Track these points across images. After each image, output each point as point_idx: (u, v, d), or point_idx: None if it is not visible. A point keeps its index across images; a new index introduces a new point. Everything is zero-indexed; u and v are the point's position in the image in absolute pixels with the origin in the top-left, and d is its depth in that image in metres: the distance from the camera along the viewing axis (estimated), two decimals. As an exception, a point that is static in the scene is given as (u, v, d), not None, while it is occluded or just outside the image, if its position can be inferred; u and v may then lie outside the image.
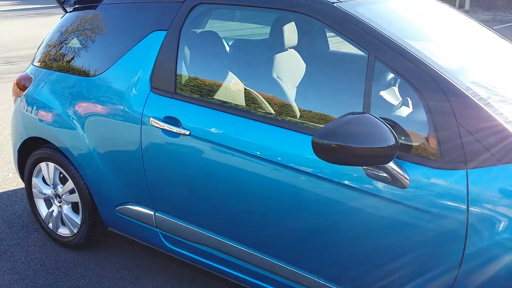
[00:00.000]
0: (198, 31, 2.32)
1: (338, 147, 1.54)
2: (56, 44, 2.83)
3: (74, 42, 2.71)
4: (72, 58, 2.68)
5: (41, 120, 2.72)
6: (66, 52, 2.74)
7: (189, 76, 2.27)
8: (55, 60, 2.77)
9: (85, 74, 2.56)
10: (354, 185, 1.72)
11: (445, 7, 2.64)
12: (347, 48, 3.45)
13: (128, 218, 2.58)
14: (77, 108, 2.55)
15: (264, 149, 1.93)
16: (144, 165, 2.34)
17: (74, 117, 2.56)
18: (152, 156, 2.29)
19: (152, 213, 2.44)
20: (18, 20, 15.40)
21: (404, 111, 2.07)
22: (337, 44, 3.40)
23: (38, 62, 2.91)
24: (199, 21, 2.31)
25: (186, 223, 2.32)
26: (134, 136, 2.33)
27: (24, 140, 2.92)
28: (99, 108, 2.46)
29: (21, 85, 2.92)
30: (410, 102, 2.09)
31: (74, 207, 2.92)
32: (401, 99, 2.11)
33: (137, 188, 2.45)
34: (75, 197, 2.80)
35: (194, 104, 2.16)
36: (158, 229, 2.46)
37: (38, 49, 2.99)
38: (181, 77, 2.25)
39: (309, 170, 1.82)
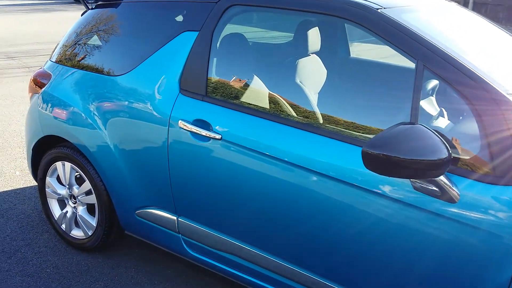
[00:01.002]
0: (227, 33, 2.26)
1: (388, 158, 1.48)
2: (77, 41, 2.76)
3: (97, 40, 2.64)
4: (95, 56, 2.61)
5: (59, 118, 2.65)
6: (88, 49, 2.66)
7: (221, 79, 2.20)
8: (76, 57, 2.70)
9: (109, 73, 2.49)
10: (399, 198, 1.67)
11: (474, 15, 2.61)
12: (367, 54, 3.41)
13: (148, 222, 2.51)
14: (99, 107, 2.48)
15: (302, 157, 1.87)
16: (169, 169, 2.28)
17: (95, 116, 2.49)
18: (179, 159, 2.23)
19: (175, 218, 2.38)
20: (15, 15, 15.25)
21: (442, 122, 2.02)
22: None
23: (57, 58, 2.83)
24: (232, 23, 2.25)
25: (211, 230, 2.25)
26: (160, 138, 2.27)
27: (39, 138, 2.84)
28: (123, 108, 2.40)
29: (39, 82, 2.85)
30: (445, 113, 2.05)
31: (89, 208, 2.84)
32: (439, 109, 2.07)
33: (160, 192, 2.38)
34: (92, 199, 2.72)
35: (226, 108, 2.10)
36: (180, 235, 2.40)
37: (57, 45, 2.91)
38: (212, 80, 2.19)
39: (353, 181, 1.76)
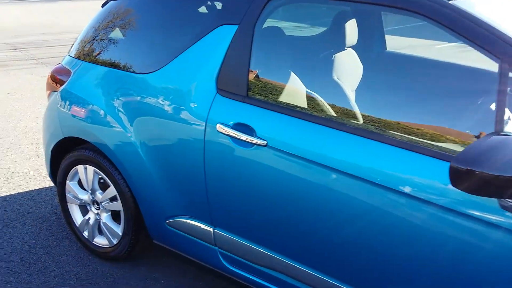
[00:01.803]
0: (267, 27, 2.04)
1: (483, 176, 1.28)
2: (98, 36, 2.55)
3: (120, 34, 2.43)
4: (119, 52, 2.40)
5: (81, 119, 2.45)
6: (111, 45, 2.45)
7: (264, 78, 1.99)
8: (98, 53, 2.49)
9: (136, 70, 2.28)
10: (483, 217, 1.46)
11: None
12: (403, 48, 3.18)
13: (180, 232, 2.31)
14: (126, 108, 2.28)
15: (365, 169, 1.66)
16: (205, 176, 2.08)
17: (122, 117, 2.29)
18: (217, 166, 2.03)
19: (211, 229, 2.18)
20: (18, 5, 15.00)
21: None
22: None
23: (76, 53, 2.62)
24: (274, 16, 2.03)
25: (253, 244, 2.06)
26: (196, 143, 2.06)
27: (59, 140, 2.65)
28: (153, 109, 2.19)
29: (57, 78, 2.64)
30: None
31: (114, 215, 2.66)
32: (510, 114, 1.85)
33: (194, 201, 2.18)
34: (117, 205, 2.53)
35: (271, 110, 1.89)
36: (217, 248, 2.20)
37: (76, 39, 2.70)
38: (254, 79, 1.98)
39: (430, 199, 1.54)
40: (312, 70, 2.06)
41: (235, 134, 1.92)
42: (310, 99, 1.91)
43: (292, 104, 1.89)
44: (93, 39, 2.56)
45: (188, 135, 2.09)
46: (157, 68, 2.20)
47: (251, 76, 1.97)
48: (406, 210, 1.59)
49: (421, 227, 1.58)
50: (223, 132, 1.96)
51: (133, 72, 2.28)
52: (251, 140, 1.88)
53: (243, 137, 1.90)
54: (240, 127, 1.94)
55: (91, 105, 2.41)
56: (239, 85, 1.97)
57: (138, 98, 2.25)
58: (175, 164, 2.18)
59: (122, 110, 2.29)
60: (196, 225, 2.23)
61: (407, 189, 1.59)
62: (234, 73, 1.99)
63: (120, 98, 2.31)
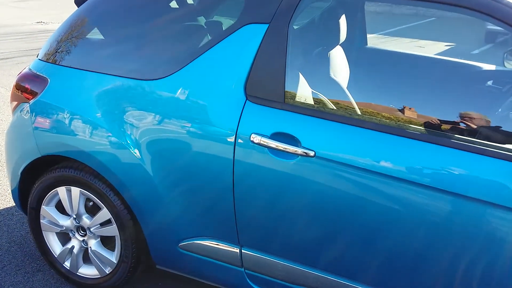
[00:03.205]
0: (300, 25, 1.87)
1: None
2: (82, 35, 2.20)
3: (120, 32, 2.11)
4: (115, 54, 2.09)
5: (68, 135, 2.10)
6: (105, 46, 2.13)
7: (303, 82, 1.82)
8: (87, 56, 2.15)
9: (142, 75, 1.98)
10: None
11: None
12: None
13: (196, 255, 2.07)
14: (129, 120, 1.98)
15: (434, 176, 1.56)
16: (234, 193, 1.86)
17: (124, 131, 1.99)
18: (249, 181, 1.82)
19: (237, 250, 1.97)
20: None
21: None
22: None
23: (52, 57, 2.24)
24: (309, 13, 1.86)
25: (289, 262, 1.88)
26: (223, 157, 1.84)
27: (33, 160, 2.26)
28: (164, 120, 1.92)
29: (27, 88, 2.24)
30: None
31: (103, 241, 2.33)
32: None
33: (217, 220, 1.96)
34: (111, 231, 2.21)
35: (317, 117, 1.72)
36: (243, 269, 2.00)
37: (49, 40, 2.31)
38: (292, 83, 1.80)
39: (501, 201, 1.48)
40: (358, 72, 1.92)
41: (276, 145, 1.73)
42: (359, 103, 1.77)
43: (341, 110, 1.75)
44: (76, 40, 2.20)
45: (212, 148, 1.85)
46: (169, 73, 1.93)
47: (289, 80, 1.78)
48: (485, 219, 1.52)
49: (497, 234, 1.52)
50: (260, 143, 1.76)
51: (137, 78, 1.99)
52: (296, 150, 1.71)
53: (287, 147, 1.72)
54: (279, 137, 1.75)
55: (81, 119, 2.07)
56: (275, 90, 1.78)
57: (144, 108, 1.96)
58: (195, 182, 1.93)
59: (124, 123, 1.99)
60: (218, 247, 2.00)
61: (478, 195, 1.51)
62: (268, 78, 1.79)
63: (121, 109, 2.00)
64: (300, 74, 1.82)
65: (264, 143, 1.75)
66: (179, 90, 1.91)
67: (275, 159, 1.75)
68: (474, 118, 1.67)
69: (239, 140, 1.80)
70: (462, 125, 1.68)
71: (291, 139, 1.73)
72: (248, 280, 2.01)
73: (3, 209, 3.15)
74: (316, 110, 1.75)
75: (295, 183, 1.75)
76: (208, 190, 1.92)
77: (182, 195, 1.98)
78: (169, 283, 2.48)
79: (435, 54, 3.01)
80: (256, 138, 1.76)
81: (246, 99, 1.81)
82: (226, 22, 2.35)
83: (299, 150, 1.70)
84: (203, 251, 2.04)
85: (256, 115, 1.79)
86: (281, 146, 1.72)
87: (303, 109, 1.75)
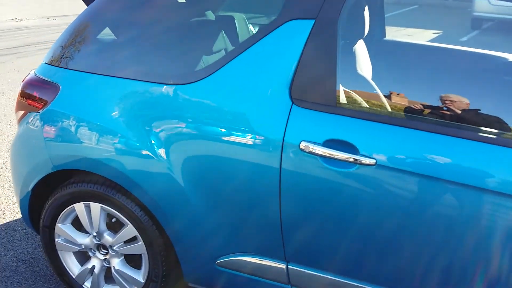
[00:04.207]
0: (351, 20, 1.70)
1: None
2: (99, 35, 1.98)
3: (142, 32, 1.91)
4: (140, 57, 1.88)
5: (87, 147, 1.89)
6: (127, 46, 1.92)
7: (357, 83, 1.66)
8: (105, 59, 1.94)
9: (170, 80, 1.79)
10: None
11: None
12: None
13: (235, 272, 1.91)
14: (157, 128, 1.79)
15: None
16: (281, 206, 1.70)
17: (152, 140, 1.80)
18: (299, 192, 1.66)
19: (284, 266, 1.82)
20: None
21: None
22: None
23: (62, 61, 2.02)
24: (358, 8, 1.69)
25: (342, 278, 1.74)
26: (267, 167, 1.67)
27: (46, 174, 2.05)
28: (198, 128, 1.74)
29: (36, 96, 2.02)
30: None
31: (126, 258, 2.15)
32: None
33: (262, 235, 1.80)
34: (137, 248, 2.03)
35: (374, 121, 1.57)
36: (290, 286, 1.84)
37: (61, 41, 2.08)
38: (345, 85, 1.63)
39: None
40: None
41: (331, 153, 1.57)
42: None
43: (403, 113, 1.59)
44: (89, 42, 1.98)
45: (255, 158, 1.68)
46: (201, 77, 1.74)
47: (340, 81, 1.62)
48: None
49: None
50: (311, 151, 1.59)
51: (165, 83, 1.79)
52: (355, 159, 1.55)
53: (344, 156, 1.56)
54: (333, 144, 1.59)
55: (101, 129, 1.87)
56: (325, 93, 1.61)
57: (176, 115, 1.77)
58: (234, 194, 1.76)
59: (152, 132, 1.80)
60: (262, 263, 1.85)
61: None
62: (317, 79, 1.62)
63: (148, 117, 1.81)
64: (352, 73, 1.66)
65: (317, 151, 1.59)
66: (214, 96, 1.73)
67: (329, 168, 1.59)
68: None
69: (287, 149, 1.63)
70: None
71: (347, 147, 1.57)
72: (295, 297, 1.86)
73: (4, 224, 2.93)
74: (374, 114, 1.59)
75: (351, 194, 1.60)
76: (250, 203, 1.75)
77: (220, 209, 1.81)
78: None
79: (427, 42, 2.86)
80: (307, 146, 1.60)
81: (292, 103, 1.64)
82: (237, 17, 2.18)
83: (358, 159, 1.55)
84: (244, 268, 1.88)
85: (305, 121, 1.63)
86: (338, 154, 1.56)
87: (358, 113, 1.59)
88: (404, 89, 1.82)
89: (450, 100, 1.59)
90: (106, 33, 2.07)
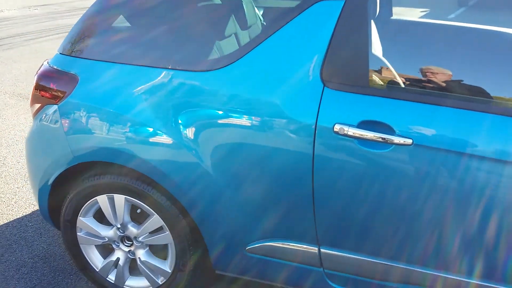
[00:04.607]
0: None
1: None
2: (119, 22, 1.93)
3: (164, 18, 1.86)
4: (163, 44, 1.84)
5: (111, 138, 1.86)
6: (148, 34, 1.87)
7: (389, 62, 1.64)
8: (125, 47, 1.89)
9: (196, 67, 1.76)
10: None
11: None
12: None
13: (266, 258, 1.90)
14: (184, 116, 1.77)
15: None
16: (314, 189, 1.69)
17: (178, 128, 1.77)
18: (333, 176, 1.66)
19: (316, 249, 1.82)
20: None
21: None
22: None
23: (80, 51, 1.97)
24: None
25: (374, 259, 1.75)
26: (299, 152, 1.66)
27: (67, 168, 2.01)
28: (227, 114, 1.72)
29: (53, 88, 1.97)
30: None
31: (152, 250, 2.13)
32: None
33: (293, 220, 1.79)
34: (164, 238, 2.01)
35: (408, 100, 1.56)
36: (322, 268, 1.85)
37: (77, 30, 2.02)
38: (376, 65, 1.62)
39: None
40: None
41: (367, 134, 1.56)
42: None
43: (438, 91, 1.59)
44: (108, 30, 1.93)
45: (287, 143, 1.67)
46: (229, 62, 1.72)
47: (373, 62, 1.61)
48: None
49: None
50: (346, 134, 1.58)
51: (190, 70, 1.76)
52: (392, 140, 1.55)
53: (381, 137, 1.55)
54: (368, 125, 1.58)
55: (124, 119, 1.83)
56: (357, 74, 1.60)
57: (202, 102, 1.75)
58: (265, 181, 1.75)
59: (178, 120, 1.77)
60: (293, 247, 1.84)
61: None
62: (348, 60, 1.61)
63: (174, 105, 1.78)
64: (386, 54, 1.64)
65: (352, 133, 1.58)
66: (242, 81, 1.70)
67: (364, 150, 1.59)
68: None
69: (320, 132, 1.62)
70: None
71: (382, 127, 1.57)
72: (327, 280, 1.86)
73: (14, 221, 2.88)
74: (409, 93, 1.58)
75: (387, 175, 1.59)
76: (282, 188, 1.74)
77: (250, 196, 1.80)
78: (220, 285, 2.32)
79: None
80: (341, 129, 1.59)
81: (324, 85, 1.63)
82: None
83: (395, 139, 1.54)
84: (275, 253, 1.88)
85: (338, 103, 1.61)
86: (373, 135, 1.56)
87: (393, 93, 1.58)
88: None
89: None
90: (121, 21, 2.02)
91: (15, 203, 3.05)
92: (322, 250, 1.81)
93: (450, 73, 1.65)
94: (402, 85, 1.63)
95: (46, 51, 7.02)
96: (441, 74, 1.63)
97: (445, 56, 1.71)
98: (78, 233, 2.15)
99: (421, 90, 1.62)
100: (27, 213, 2.94)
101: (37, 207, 2.99)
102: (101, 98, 1.87)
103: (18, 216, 2.91)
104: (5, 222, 2.85)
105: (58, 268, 2.47)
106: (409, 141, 1.53)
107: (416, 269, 1.69)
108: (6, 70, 6.05)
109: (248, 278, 2.03)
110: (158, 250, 2.15)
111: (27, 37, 8.01)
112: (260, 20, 2.27)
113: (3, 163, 3.57)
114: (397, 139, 1.54)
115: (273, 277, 1.96)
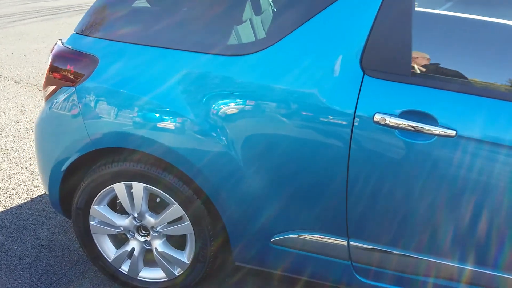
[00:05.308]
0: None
1: None
2: (140, 2, 1.84)
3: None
4: (191, 25, 1.75)
5: (132, 122, 1.77)
6: (177, 13, 1.78)
7: (432, 49, 1.60)
8: (151, 27, 1.79)
9: (227, 50, 1.68)
10: None
11: None
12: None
13: (291, 250, 1.85)
14: (213, 102, 1.69)
15: None
16: (348, 180, 1.65)
17: (206, 114, 1.70)
18: (370, 167, 1.61)
19: (345, 241, 1.77)
20: None
21: None
22: None
23: (101, 31, 1.87)
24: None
25: (406, 252, 1.71)
26: (335, 141, 1.61)
27: (83, 154, 1.92)
28: (259, 100, 1.65)
29: (71, 70, 1.87)
30: None
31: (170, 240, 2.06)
32: None
33: (325, 211, 1.74)
34: (183, 228, 1.94)
35: (453, 91, 1.52)
36: (350, 262, 1.81)
37: (96, 7, 1.91)
38: (422, 53, 1.57)
39: None
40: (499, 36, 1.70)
41: (410, 125, 1.52)
42: (504, 75, 1.58)
43: (484, 83, 1.55)
44: (131, 9, 1.83)
45: (322, 132, 1.61)
46: (264, 46, 1.64)
47: (417, 50, 1.56)
48: None
49: None
50: (387, 124, 1.54)
51: (221, 54, 1.68)
52: (437, 131, 1.50)
53: (424, 127, 1.51)
54: (410, 116, 1.53)
55: (148, 104, 1.74)
56: (400, 62, 1.55)
57: (233, 88, 1.67)
58: (297, 171, 1.69)
59: (206, 106, 1.70)
60: (321, 240, 1.80)
61: None
62: (390, 47, 1.55)
63: (202, 90, 1.70)
64: (428, 41, 1.60)
65: (393, 123, 1.53)
66: (277, 67, 1.63)
67: (405, 141, 1.54)
68: None
69: (358, 121, 1.57)
70: None
71: (425, 118, 1.52)
72: (355, 273, 1.83)
73: (13, 208, 2.76)
74: (454, 83, 1.54)
75: (428, 167, 1.55)
76: (315, 179, 1.69)
77: (280, 187, 1.74)
78: (237, 277, 2.26)
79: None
80: (382, 119, 1.54)
81: (364, 73, 1.57)
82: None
83: (438, 130, 1.50)
84: (301, 246, 1.83)
85: (379, 92, 1.56)
86: (416, 126, 1.51)
87: (437, 82, 1.54)
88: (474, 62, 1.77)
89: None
90: (141, 2, 1.93)
91: (12, 189, 2.93)
92: (351, 243, 1.77)
93: (494, 65, 1.62)
94: (446, 75, 1.58)
95: (32, 33, 6.80)
96: (485, 66, 1.60)
97: (487, 48, 1.67)
98: (91, 222, 2.06)
99: (466, 81, 1.58)
100: (26, 201, 2.83)
101: (36, 194, 2.88)
102: (123, 81, 1.78)
103: (17, 204, 2.80)
104: (4, 209, 2.74)
105: (64, 257, 2.37)
106: (453, 132, 1.50)
107: (453, 264, 1.66)
108: (-9, 52, 5.84)
109: (270, 270, 1.98)
110: (172, 240, 2.08)
111: (10, 19, 7.74)
112: (271, 6, 2.20)
113: (-3, 148, 3.43)
114: (440, 130, 1.50)
115: (298, 270, 1.91)
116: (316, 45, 1.61)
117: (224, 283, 2.21)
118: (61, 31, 6.96)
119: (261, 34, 1.91)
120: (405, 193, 1.61)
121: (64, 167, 1.97)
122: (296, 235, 1.82)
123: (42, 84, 2.01)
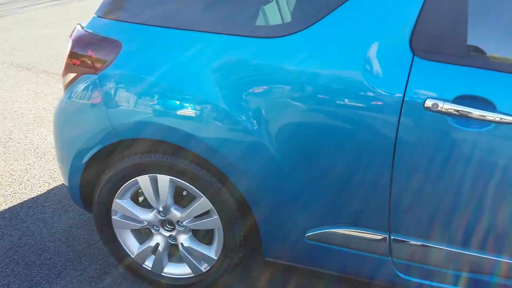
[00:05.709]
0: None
1: None
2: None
3: None
4: (224, 5, 1.62)
5: (160, 111, 1.65)
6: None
7: (490, 29, 1.46)
8: (178, 9, 1.67)
9: (260, 32, 1.55)
10: None
11: None
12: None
13: (328, 246, 1.74)
14: (246, 89, 1.57)
15: None
16: (393, 171, 1.52)
17: (239, 103, 1.57)
18: (419, 156, 1.48)
19: (386, 237, 1.66)
20: None
21: None
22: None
23: (124, 13, 1.74)
24: None
25: (452, 247, 1.60)
26: (381, 129, 1.48)
27: (106, 145, 1.81)
28: (297, 86, 1.52)
29: (92, 56, 1.75)
30: None
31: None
32: None
33: (366, 205, 1.62)
34: (211, 223, 1.83)
35: (508, 72, 1.39)
36: (390, 258, 1.69)
37: None
38: (477, 31, 1.43)
39: None
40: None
41: (465, 111, 1.39)
42: None
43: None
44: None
45: (366, 119, 1.48)
46: (301, 28, 1.51)
47: (473, 29, 1.42)
48: None
49: None
50: (440, 110, 1.41)
51: (254, 36, 1.55)
52: (493, 117, 1.37)
53: (482, 114, 1.38)
54: (465, 101, 1.40)
55: (177, 92, 1.62)
56: (454, 42, 1.41)
57: (268, 73, 1.55)
58: (336, 162, 1.57)
59: (239, 94, 1.57)
60: (359, 235, 1.68)
61: None
62: (444, 26, 1.42)
63: (234, 77, 1.57)
64: (485, 19, 1.45)
65: (447, 109, 1.40)
66: (317, 49, 1.50)
67: (459, 128, 1.41)
68: None
69: (407, 107, 1.44)
70: None
71: (482, 103, 1.39)
72: (396, 270, 1.71)
73: (29, 200, 2.66)
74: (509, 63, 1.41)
75: (483, 157, 1.43)
76: (357, 171, 1.57)
77: (318, 179, 1.62)
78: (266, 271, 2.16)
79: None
80: (435, 104, 1.41)
81: (414, 54, 1.44)
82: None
83: (497, 116, 1.37)
84: (338, 241, 1.72)
85: (431, 75, 1.43)
86: (473, 112, 1.38)
87: (495, 64, 1.40)
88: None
89: None
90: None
91: (27, 181, 2.84)
92: (393, 237, 1.65)
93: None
94: (506, 56, 1.45)
95: (42, 19, 6.68)
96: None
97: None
98: (113, 216, 1.96)
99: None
100: (42, 192, 2.73)
101: (52, 185, 2.78)
102: (149, 67, 1.66)
103: (33, 196, 2.70)
104: (19, 202, 2.64)
105: (84, 252, 2.28)
106: (510, 118, 1.36)
107: (503, 260, 1.54)
108: (1, 38, 5.72)
109: (302, 266, 1.87)
110: (198, 235, 1.98)
111: (20, 4, 7.62)
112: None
113: (10, 138, 3.33)
114: (499, 117, 1.37)
115: (333, 266, 1.80)
116: (361, 25, 1.48)
117: (247, 276, 2.11)
118: (72, 16, 6.84)
119: (287, 16, 1.78)
120: (455, 186, 1.49)
121: (85, 159, 1.86)
122: (333, 230, 1.71)
123: (62, 72, 1.88)
